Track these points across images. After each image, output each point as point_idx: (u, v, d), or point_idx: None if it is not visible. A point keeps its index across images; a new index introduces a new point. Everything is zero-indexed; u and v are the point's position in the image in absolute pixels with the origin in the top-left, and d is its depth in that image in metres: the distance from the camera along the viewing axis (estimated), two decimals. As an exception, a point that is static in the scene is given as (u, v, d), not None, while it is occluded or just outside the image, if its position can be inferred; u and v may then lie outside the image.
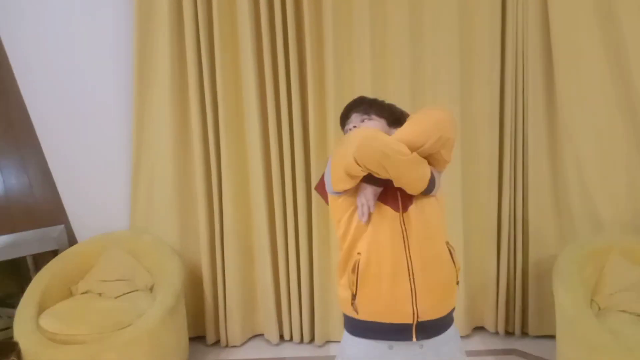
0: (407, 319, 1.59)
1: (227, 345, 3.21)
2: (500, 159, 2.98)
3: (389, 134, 1.60)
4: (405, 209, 1.61)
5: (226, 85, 2.92)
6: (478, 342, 3.11)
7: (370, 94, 2.80)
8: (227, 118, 2.95)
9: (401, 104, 2.86)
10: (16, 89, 3.02)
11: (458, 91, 2.87)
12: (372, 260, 1.60)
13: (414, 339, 1.61)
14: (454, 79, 2.86)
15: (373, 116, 1.75)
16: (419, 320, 1.60)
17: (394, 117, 1.77)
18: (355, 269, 1.62)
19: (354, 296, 1.65)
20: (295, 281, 3.10)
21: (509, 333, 3.16)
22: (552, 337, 2.61)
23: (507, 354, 2.96)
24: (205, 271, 3.13)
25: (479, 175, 3.00)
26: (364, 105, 1.78)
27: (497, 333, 3.15)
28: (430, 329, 1.64)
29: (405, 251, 1.59)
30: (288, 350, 3.14)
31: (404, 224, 1.61)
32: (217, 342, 3.24)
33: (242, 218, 3.09)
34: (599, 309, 2.46)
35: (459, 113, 2.88)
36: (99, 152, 3.16)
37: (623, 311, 2.38)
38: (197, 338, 3.27)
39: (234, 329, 3.17)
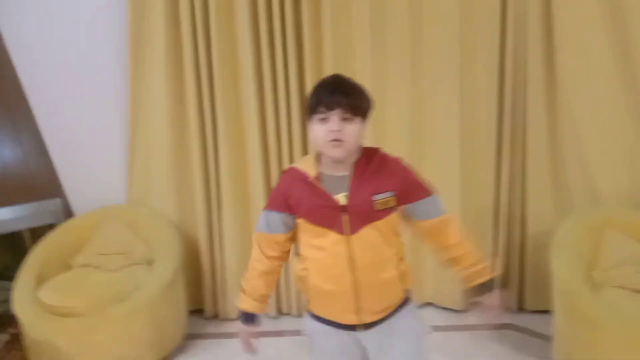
0: (353, 323, 1.62)
1: (225, 319, 3.23)
2: (499, 134, 2.96)
3: (362, 135, 1.55)
4: (352, 232, 1.53)
5: (222, 57, 2.89)
6: (474, 317, 3.13)
7: (369, 72, 2.87)
8: (224, 90, 2.92)
9: (400, 82, 2.89)
10: (9, 61, 2.99)
11: (458, 65, 2.85)
12: (316, 280, 1.60)
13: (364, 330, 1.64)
14: (454, 52, 2.83)
15: (355, 117, 1.51)
16: (365, 323, 1.62)
17: (366, 112, 1.56)
18: (302, 280, 1.64)
19: (307, 300, 1.70)
20: (293, 254, 3.10)
21: (505, 308, 3.18)
22: (549, 312, 2.62)
23: (504, 328, 2.98)
24: (203, 244, 3.13)
25: (478, 150, 2.99)
26: (349, 101, 1.50)
27: (494, 307, 3.17)
28: (377, 323, 1.64)
29: (350, 274, 1.54)
30: (286, 323, 3.15)
31: (349, 248, 1.54)
32: (216, 316, 3.26)
33: (240, 190, 3.08)
34: (596, 283, 2.46)
35: (457, 87, 2.86)
36: (94, 125, 3.14)
37: (619, 286, 2.39)
38: (196, 311, 3.28)
39: (232, 302, 3.18)
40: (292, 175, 1.61)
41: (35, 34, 2.97)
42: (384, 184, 1.54)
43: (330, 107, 1.48)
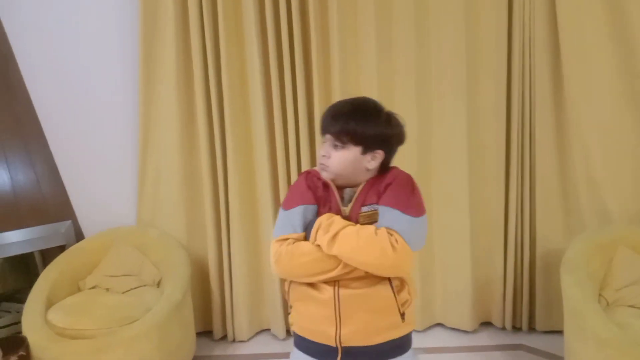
0: (330, 342, 1.54)
1: (234, 340, 3.21)
2: (507, 153, 2.97)
3: (361, 163, 1.56)
4: None
5: (232, 79, 2.92)
6: (485, 338, 3.10)
7: (375, 88, 2.85)
8: (233, 113, 2.95)
9: (407, 96, 2.90)
10: (23, 85, 3.03)
11: (464, 84, 2.86)
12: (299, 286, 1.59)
13: None
14: (460, 72, 2.85)
15: (349, 145, 1.54)
16: (343, 345, 1.53)
17: (372, 142, 1.56)
18: (287, 281, 1.64)
19: (290, 307, 1.67)
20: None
21: (516, 328, 3.15)
22: (560, 332, 2.59)
23: (515, 349, 2.95)
24: (212, 266, 3.13)
25: (486, 170, 2.99)
26: (337, 129, 1.54)
27: (504, 328, 3.14)
28: (359, 355, 1.55)
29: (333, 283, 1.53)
30: (295, 345, 3.14)
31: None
32: (224, 337, 3.25)
33: (249, 213, 3.09)
34: (607, 303, 2.44)
35: (465, 106, 2.87)
36: (105, 147, 3.17)
37: (631, 306, 2.37)
38: (204, 333, 3.27)
39: (241, 323, 3.18)
40: (314, 177, 1.65)
41: (47, 57, 3.02)
42: (373, 197, 1.56)
43: (324, 132, 1.59)
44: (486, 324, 3.23)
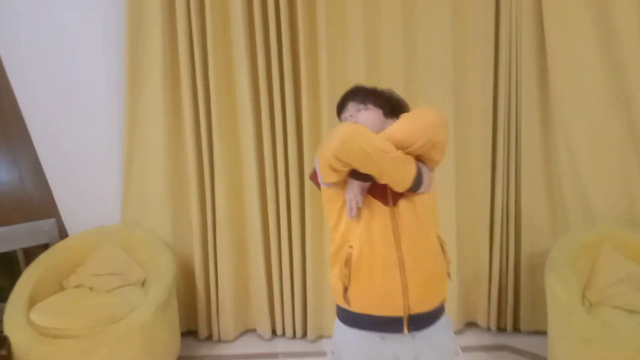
0: (399, 312, 1.61)
1: (219, 340, 3.20)
2: (493, 152, 2.98)
3: (385, 125, 1.61)
4: (395, 202, 1.62)
5: (218, 76, 2.91)
6: (470, 338, 3.12)
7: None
8: (220, 110, 2.94)
9: None
10: (7, 83, 3.00)
11: (451, 83, 2.87)
12: (363, 253, 1.61)
13: (405, 330, 1.63)
14: (447, 71, 2.86)
15: (369, 105, 1.70)
16: (410, 313, 1.61)
17: (391, 107, 1.73)
18: (347, 262, 1.63)
19: (346, 289, 1.66)
20: (288, 275, 3.10)
21: (500, 329, 3.16)
22: (545, 333, 2.61)
23: (500, 349, 2.97)
24: (198, 265, 3.11)
25: (472, 167, 3.00)
26: (360, 94, 1.73)
27: (489, 329, 3.16)
28: (421, 320, 1.66)
29: (396, 245, 1.60)
30: (281, 345, 3.13)
31: (395, 218, 1.61)
32: (210, 337, 3.23)
33: (235, 211, 3.08)
34: (591, 302, 2.47)
35: (452, 105, 2.88)
36: (90, 145, 3.14)
37: (615, 307, 2.39)
38: (189, 333, 3.26)
39: (226, 323, 3.16)
40: None
41: (32, 56, 2.99)
42: None
43: (344, 107, 1.75)
44: (471, 325, 3.25)
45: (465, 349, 2.98)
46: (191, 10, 2.82)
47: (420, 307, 1.63)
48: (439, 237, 1.70)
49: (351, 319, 1.70)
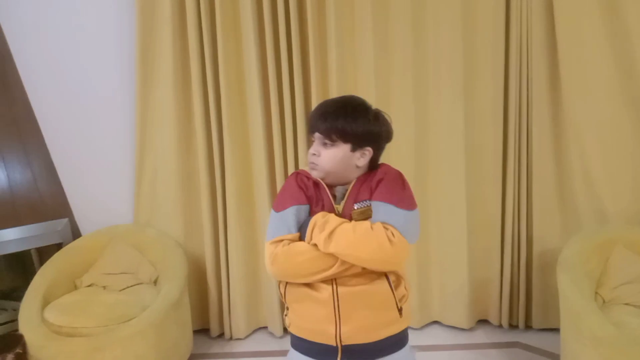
0: (330, 341, 1.53)
1: (231, 338, 3.22)
2: (504, 153, 2.97)
3: (351, 160, 1.57)
4: None
5: (229, 79, 2.92)
6: (482, 335, 3.11)
7: (372, 88, 2.85)
8: (230, 112, 2.95)
9: (404, 98, 2.91)
10: (20, 84, 3.03)
11: (461, 85, 2.86)
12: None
13: None
14: (457, 73, 2.85)
15: (337, 141, 1.55)
16: (343, 343, 1.53)
17: (361, 140, 1.57)
18: (283, 283, 1.62)
19: (286, 308, 1.65)
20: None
21: (512, 326, 3.16)
22: (557, 330, 2.60)
23: (511, 347, 2.96)
24: (209, 264, 3.13)
25: (483, 169, 2.99)
26: (327, 124, 1.55)
27: (500, 326, 3.15)
28: (360, 353, 1.55)
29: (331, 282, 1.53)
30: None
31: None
32: (221, 335, 3.25)
33: (246, 211, 3.09)
34: (604, 301, 2.45)
35: (462, 106, 2.88)
36: (102, 146, 3.17)
37: (627, 304, 2.38)
38: (201, 331, 3.28)
39: (238, 321, 3.18)
40: (304, 176, 1.64)
41: (45, 57, 3.01)
42: (365, 193, 1.57)
43: (312, 131, 1.60)
44: (483, 322, 3.24)
45: (477, 346, 2.98)
46: (201, 15, 2.84)
47: (354, 338, 1.53)
48: (391, 274, 1.57)
49: (293, 340, 1.67)
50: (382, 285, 1.54)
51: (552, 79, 2.86)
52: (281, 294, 1.64)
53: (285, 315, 1.67)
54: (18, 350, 2.64)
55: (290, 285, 1.59)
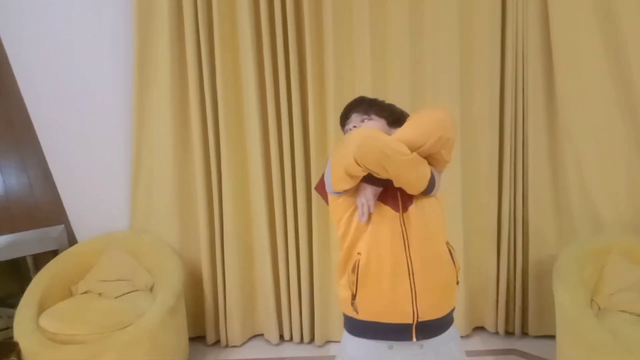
0: (407, 319, 1.59)
1: (227, 345, 3.21)
2: (500, 159, 2.98)
3: (389, 134, 1.60)
4: (405, 208, 1.62)
5: (226, 84, 2.92)
6: (478, 342, 3.11)
7: (370, 94, 2.82)
8: (227, 118, 2.95)
9: (401, 104, 2.87)
10: (16, 89, 3.02)
11: (458, 91, 2.87)
12: (372, 260, 1.60)
13: (414, 339, 1.61)
14: (454, 79, 2.86)
15: (373, 116, 1.74)
16: (419, 320, 1.60)
17: (394, 117, 1.76)
18: (355, 269, 1.62)
19: (354, 296, 1.65)
20: (295, 281, 3.10)
21: (509, 333, 3.16)
22: (552, 337, 2.61)
23: (507, 354, 2.96)
24: (205, 271, 3.12)
25: (479, 175, 3.00)
26: (364, 105, 1.77)
27: (497, 333, 3.15)
28: (430, 329, 1.64)
29: (405, 251, 1.59)
30: (288, 350, 3.14)
31: (404, 224, 1.61)
32: (217, 342, 3.24)
33: (242, 218, 3.09)
34: (599, 308, 2.46)
35: (458, 113, 2.88)
36: (98, 152, 3.16)
37: (623, 311, 2.39)
38: (197, 338, 3.27)
39: (234, 329, 3.17)
40: None
41: (40, 62, 3.01)
42: None
43: (347, 118, 1.78)
44: (479, 329, 3.24)
45: (474, 353, 2.98)
46: (199, 18, 2.84)
47: (429, 314, 1.61)
48: (448, 244, 1.69)
49: (359, 328, 1.69)
50: (448, 261, 1.66)
51: (547, 85, 2.87)
52: (352, 282, 1.64)
53: (352, 303, 1.66)
54: (13, 357, 2.62)
55: (366, 266, 1.61)
